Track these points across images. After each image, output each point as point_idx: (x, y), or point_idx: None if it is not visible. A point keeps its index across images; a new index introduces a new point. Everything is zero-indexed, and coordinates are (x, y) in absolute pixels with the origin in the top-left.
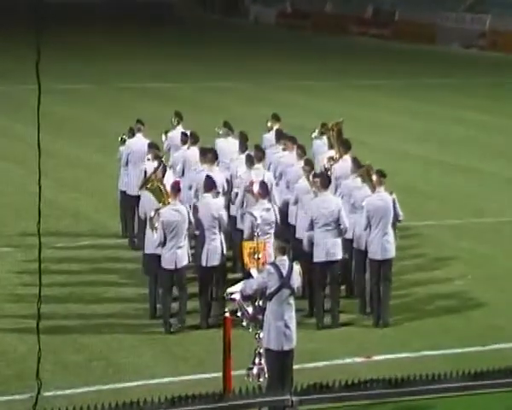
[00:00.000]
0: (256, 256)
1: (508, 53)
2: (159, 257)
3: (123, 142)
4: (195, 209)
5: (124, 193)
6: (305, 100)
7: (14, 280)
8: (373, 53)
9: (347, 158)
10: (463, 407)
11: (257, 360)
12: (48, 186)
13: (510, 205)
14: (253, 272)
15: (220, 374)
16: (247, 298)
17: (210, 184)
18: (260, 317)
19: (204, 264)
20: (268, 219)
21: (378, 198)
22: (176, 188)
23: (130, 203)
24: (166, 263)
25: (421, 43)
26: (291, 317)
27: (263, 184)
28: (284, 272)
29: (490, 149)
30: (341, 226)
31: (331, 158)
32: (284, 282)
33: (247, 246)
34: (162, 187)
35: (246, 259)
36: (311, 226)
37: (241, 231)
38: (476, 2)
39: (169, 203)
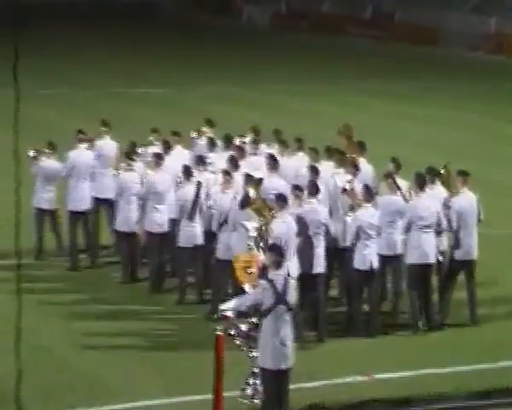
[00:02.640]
0: (249, 271)
1: None
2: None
3: (33, 158)
4: (300, 215)
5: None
6: (299, 104)
7: None
8: (370, 55)
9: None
10: None
11: (251, 381)
12: None
13: None
14: (247, 287)
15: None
16: (240, 315)
17: (315, 189)
18: (255, 335)
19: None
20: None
21: (465, 199)
22: (282, 198)
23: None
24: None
25: (422, 45)
26: (287, 334)
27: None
28: (280, 288)
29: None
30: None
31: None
32: (280, 297)
33: (240, 259)
34: (263, 202)
35: (239, 273)
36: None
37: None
38: (481, 3)
39: (274, 217)
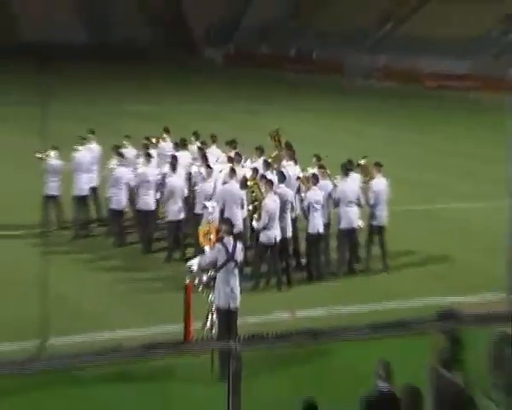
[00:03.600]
0: (208, 237)
1: (398, 83)
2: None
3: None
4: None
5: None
6: (250, 119)
7: None
8: (297, 83)
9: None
10: (359, 351)
11: (210, 317)
12: None
13: None
14: (207, 249)
15: (180, 326)
16: (203, 269)
17: (283, 178)
18: (212, 283)
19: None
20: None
21: (380, 182)
22: (270, 183)
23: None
24: (267, 239)
25: (332, 75)
26: (235, 283)
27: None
28: (230, 249)
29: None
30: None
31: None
32: (230, 257)
33: (202, 230)
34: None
35: (201, 239)
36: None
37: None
38: (374, 45)
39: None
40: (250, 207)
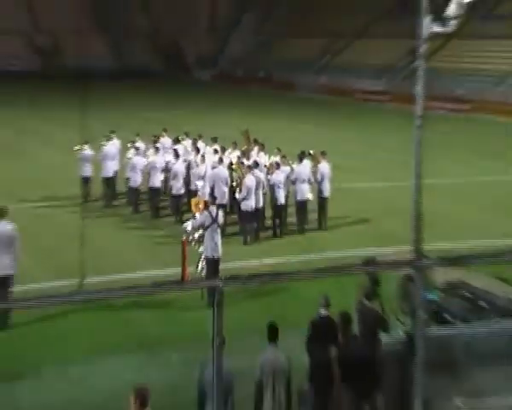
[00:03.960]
0: (198, 206)
1: (334, 96)
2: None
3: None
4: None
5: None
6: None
7: None
8: (259, 97)
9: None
10: (308, 287)
11: (200, 263)
12: None
13: None
14: (197, 215)
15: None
16: (194, 229)
17: (256, 164)
18: (201, 239)
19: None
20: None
21: (325, 166)
22: (253, 165)
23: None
24: (246, 207)
25: (287, 91)
26: (218, 239)
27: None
28: (214, 215)
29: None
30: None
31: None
32: (214, 220)
33: (194, 201)
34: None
35: (193, 207)
36: None
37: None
38: (318, 69)
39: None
40: (234, 184)
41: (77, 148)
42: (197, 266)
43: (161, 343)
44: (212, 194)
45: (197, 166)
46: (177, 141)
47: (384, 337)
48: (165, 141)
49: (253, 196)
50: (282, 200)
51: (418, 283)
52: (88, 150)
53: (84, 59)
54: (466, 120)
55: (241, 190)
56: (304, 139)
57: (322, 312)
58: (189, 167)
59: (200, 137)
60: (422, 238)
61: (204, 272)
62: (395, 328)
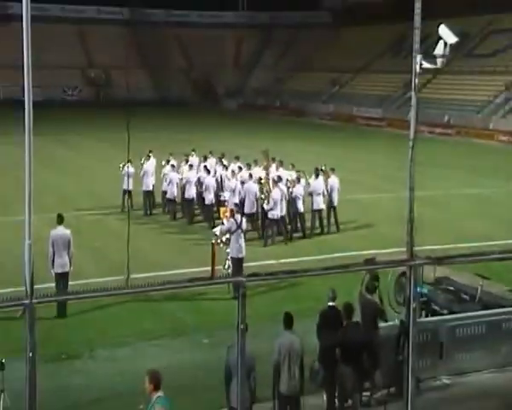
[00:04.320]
0: (226, 214)
1: (341, 122)
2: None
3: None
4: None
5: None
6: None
7: None
8: (279, 122)
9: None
10: (319, 283)
11: (227, 262)
12: None
13: None
14: (225, 222)
15: (209, 268)
16: (222, 233)
17: (280, 179)
18: (228, 242)
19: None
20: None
21: (334, 180)
22: (278, 179)
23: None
24: (273, 216)
25: (300, 117)
26: (242, 243)
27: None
28: (238, 222)
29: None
30: None
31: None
32: (238, 226)
33: (222, 210)
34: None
35: (221, 215)
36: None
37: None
38: (326, 99)
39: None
40: (263, 196)
41: (120, 165)
42: (224, 264)
43: (194, 330)
44: (237, 204)
45: (228, 180)
46: (205, 159)
47: (382, 325)
48: (194, 160)
49: (278, 206)
50: (301, 209)
51: (411, 279)
52: (130, 168)
53: (131, 90)
54: (452, 142)
55: (268, 202)
56: (314, 157)
57: (330, 303)
58: (217, 181)
59: (224, 155)
60: (414, 241)
61: (230, 269)
62: (391, 317)
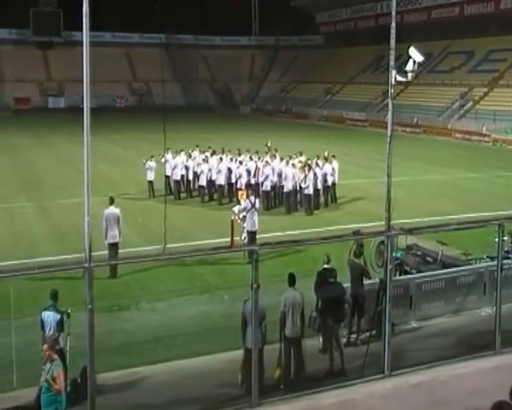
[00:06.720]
0: (242, 196)
1: (332, 123)
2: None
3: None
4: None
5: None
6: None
7: None
8: (282, 124)
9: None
10: (317, 249)
11: (244, 234)
12: None
13: None
14: (242, 201)
15: (229, 239)
16: (240, 211)
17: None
18: (244, 219)
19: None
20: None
21: (335, 164)
22: (309, 166)
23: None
24: (308, 191)
25: (302, 120)
26: (256, 219)
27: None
28: (252, 201)
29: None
30: None
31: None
32: (253, 205)
33: (240, 192)
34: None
35: (239, 197)
36: None
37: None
38: (321, 105)
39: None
40: (302, 177)
41: (144, 161)
42: (241, 236)
43: (217, 288)
44: (251, 186)
45: (259, 169)
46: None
47: (366, 282)
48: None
49: (311, 185)
50: (329, 183)
51: (388, 246)
52: (153, 162)
53: (166, 99)
54: (419, 139)
55: (305, 181)
56: (313, 150)
57: (325, 266)
58: (248, 170)
59: (239, 151)
60: (391, 216)
61: (246, 240)
62: (373, 276)
